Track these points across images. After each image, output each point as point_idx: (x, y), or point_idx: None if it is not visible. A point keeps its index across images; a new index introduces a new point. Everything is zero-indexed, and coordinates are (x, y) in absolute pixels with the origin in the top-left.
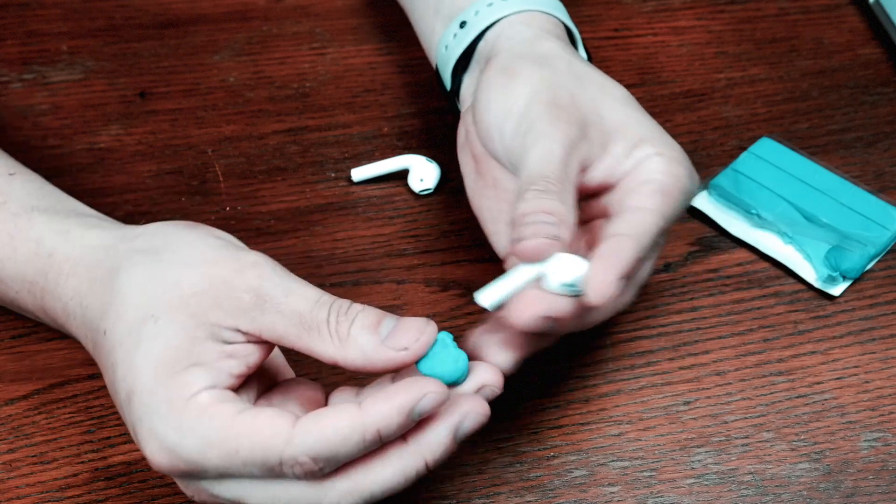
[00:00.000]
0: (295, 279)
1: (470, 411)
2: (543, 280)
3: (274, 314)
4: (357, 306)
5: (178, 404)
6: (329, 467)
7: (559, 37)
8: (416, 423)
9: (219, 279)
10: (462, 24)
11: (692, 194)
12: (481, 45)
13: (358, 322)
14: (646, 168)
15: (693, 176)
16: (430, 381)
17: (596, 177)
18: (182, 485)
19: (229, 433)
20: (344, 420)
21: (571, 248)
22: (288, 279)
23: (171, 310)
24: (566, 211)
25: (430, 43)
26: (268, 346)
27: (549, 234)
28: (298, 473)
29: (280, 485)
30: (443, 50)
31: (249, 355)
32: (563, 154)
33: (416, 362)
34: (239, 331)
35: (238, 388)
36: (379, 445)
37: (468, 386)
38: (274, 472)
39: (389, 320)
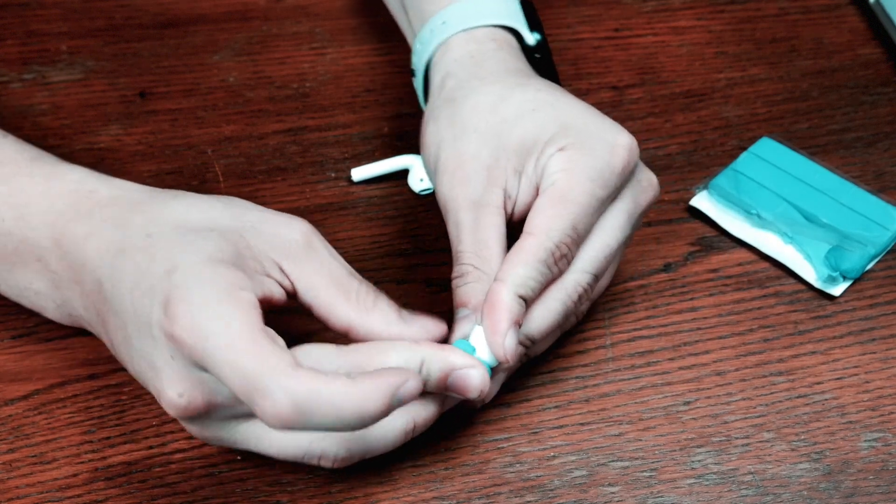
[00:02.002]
0: (334, 249)
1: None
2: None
3: (317, 264)
4: (379, 290)
5: (221, 286)
6: (300, 426)
7: (468, 60)
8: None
9: (278, 222)
10: (412, 73)
11: (614, 170)
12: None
13: (383, 299)
14: (547, 172)
15: (609, 152)
16: (410, 372)
17: (525, 200)
18: (182, 373)
19: (240, 341)
20: (338, 392)
21: None
22: (329, 246)
23: (227, 230)
24: (482, 287)
25: None
26: (286, 298)
27: (466, 333)
28: (270, 415)
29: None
30: (413, 80)
31: (275, 290)
32: (469, 222)
33: None
34: (280, 267)
35: None
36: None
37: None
38: (250, 398)
39: (408, 312)
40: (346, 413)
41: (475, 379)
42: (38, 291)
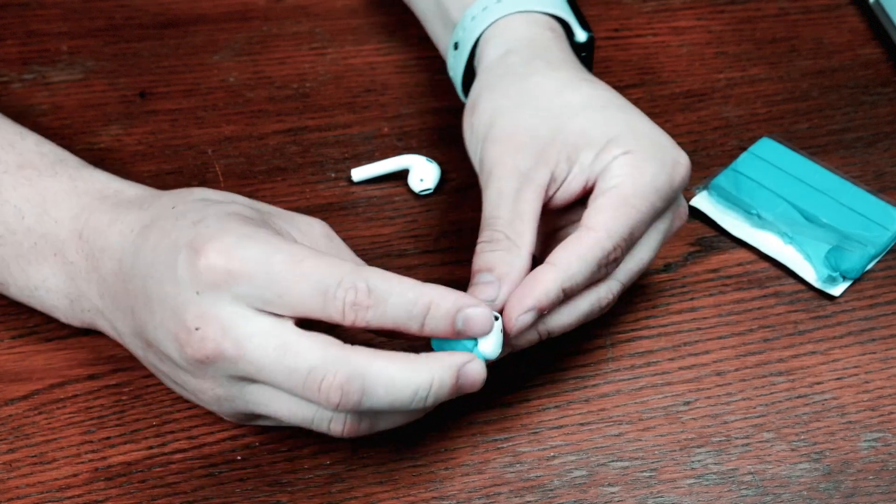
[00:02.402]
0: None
1: (475, 362)
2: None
3: (337, 253)
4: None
5: (254, 225)
6: (372, 312)
7: (531, 42)
8: (451, 327)
9: (298, 219)
10: (455, 46)
11: (673, 185)
12: (475, 62)
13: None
14: (611, 172)
15: (674, 164)
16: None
17: (571, 188)
18: (201, 308)
19: (302, 250)
20: (406, 280)
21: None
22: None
23: (251, 212)
24: (511, 259)
25: (446, 58)
26: None
27: (487, 298)
28: (348, 301)
29: (296, 334)
30: (450, 72)
31: None
32: (512, 191)
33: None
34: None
35: None
36: (418, 327)
37: None
38: (325, 295)
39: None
40: (414, 305)
41: (476, 375)
42: (50, 288)
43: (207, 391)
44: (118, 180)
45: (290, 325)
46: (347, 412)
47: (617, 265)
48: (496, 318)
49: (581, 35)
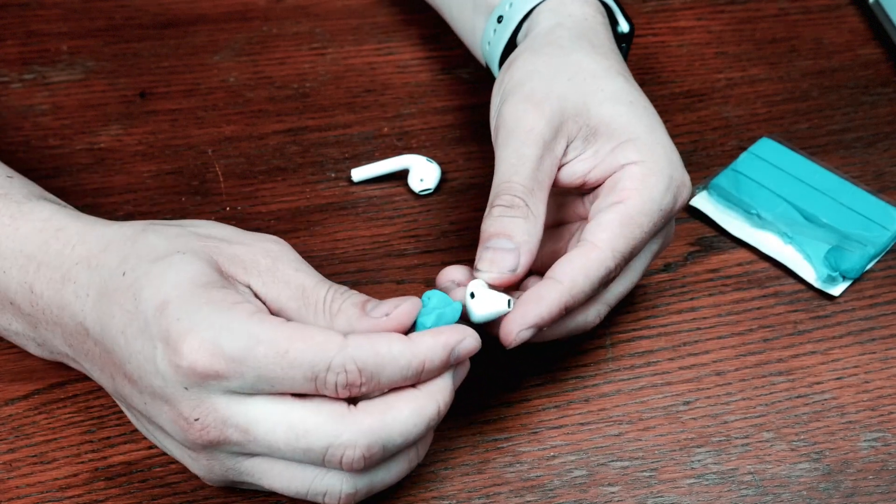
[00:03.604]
0: (305, 262)
1: (462, 340)
2: (467, 308)
3: (282, 284)
4: (353, 291)
5: (223, 306)
6: (366, 387)
7: (583, 21)
8: (448, 367)
9: (241, 242)
10: (500, 19)
11: (675, 207)
12: (519, 37)
13: (349, 300)
14: (620, 184)
15: (678, 186)
16: (468, 329)
17: (577, 171)
18: (194, 402)
19: (281, 334)
20: (395, 343)
21: (541, 253)
22: (299, 260)
23: (199, 251)
24: (529, 228)
25: (472, 40)
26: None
27: (507, 269)
28: (339, 384)
29: (300, 410)
30: (486, 46)
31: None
32: (534, 158)
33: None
34: (250, 288)
35: None
36: (414, 381)
37: None
38: (315, 380)
39: (376, 301)
40: (408, 367)
41: (470, 346)
42: (17, 332)
43: (202, 462)
44: (60, 214)
45: (289, 399)
46: (350, 479)
47: (611, 282)
48: (508, 303)
49: (624, 25)
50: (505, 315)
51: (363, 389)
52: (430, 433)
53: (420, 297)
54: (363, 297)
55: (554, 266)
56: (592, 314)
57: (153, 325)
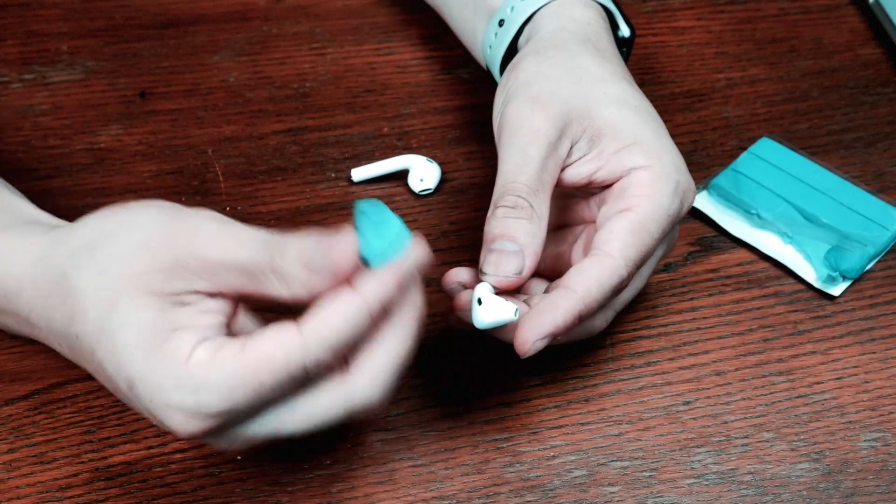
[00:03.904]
0: (238, 227)
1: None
2: (473, 313)
3: (224, 274)
4: (291, 242)
5: (180, 370)
6: (348, 350)
7: (585, 24)
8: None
9: (163, 254)
10: (501, 22)
11: (681, 213)
12: (521, 40)
13: (292, 266)
14: (628, 189)
15: (685, 191)
16: (415, 243)
17: (582, 172)
18: (215, 442)
19: (246, 371)
20: (347, 308)
21: (545, 256)
22: (228, 233)
23: (130, 293)
24: (533, 229)
25: (473, 43)
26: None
27: (513, 272)
28: (325, 369)
29: (305, 400)
30: (487, 50)
31: (223, 305)
32: (539, 158)
33: (363, 254)
34: (199, 292)
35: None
36: (382, 317)
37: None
38: (303, 380)
39: (316, 249)
40: (370, 319)
41: (416, 262)
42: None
43: (213, 446)
44: (17, 236)
45: (292, 399)
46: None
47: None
48: (515, 312)
49: (625, 30)
50: (510, 323)
51: (346, 353)
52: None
53: (352, 220)
54: (301, 251)
55: (567, 275)
56: (600, 320)
57: (134, 399)
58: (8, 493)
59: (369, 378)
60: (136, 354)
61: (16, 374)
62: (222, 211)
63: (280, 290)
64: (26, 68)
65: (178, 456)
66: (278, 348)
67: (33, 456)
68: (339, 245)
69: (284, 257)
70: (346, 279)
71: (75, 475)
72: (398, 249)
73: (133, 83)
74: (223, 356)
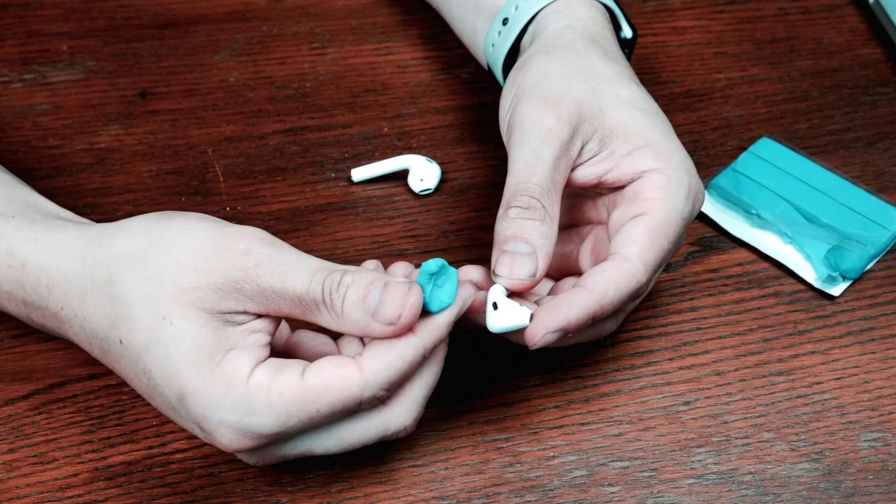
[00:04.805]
0: (289, 253)
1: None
2: (487, 317)
3: (276, 300)
4: (347, 279)
5: (239, 391)
6: (393, 392)
7: (591, 24)
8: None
9: (216, 274)
10: (504, 21)
11: (692, 215)
12: (525, 39)
13: (348, 298)
14: (642, 192)
15: (696, 194)
16: (462, 291)
17: (592, 173)
18: (251, 457)
19: (305, 397)
20: (407, 351)
21: (556, 254)
22: (281, 258)
23: (180, 308)
24: (545, 230)
25: (473, 42)
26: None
27: (527, 274)
28: (373, 405)
29: (346, 426)
30: (490, 49)
31: (268, 324)
32: (551, 159)
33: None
34: (248, 312)
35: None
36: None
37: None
38: (352, 415)
39: (376, 291)
40: (423, 358)
41: (468, 303)
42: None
43: (245, 460)
44: (21, 241)
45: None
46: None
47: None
48: (529, 316)
49: (627, 31)
50: (523, 329)
51: (391, 395)
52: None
53: (418, 276)
54: (360, 288)
55: (586, 275)
56: (610, 322)
57: (182, 411)
58: (8, 493)
59: (406, 408)
60: (191, 369)
61: (16, 374)
62: (222, 211)
63: (330, 322)
64: (26, 68)
65: (178, 456)
66: (339, 381)
67: (33, 456)
68: (408, 300)
69: (343, 296)
70: (407, 330)
71: (75, 475)
72: (453, 297)
73: (133, 83)
74: (283, 382)
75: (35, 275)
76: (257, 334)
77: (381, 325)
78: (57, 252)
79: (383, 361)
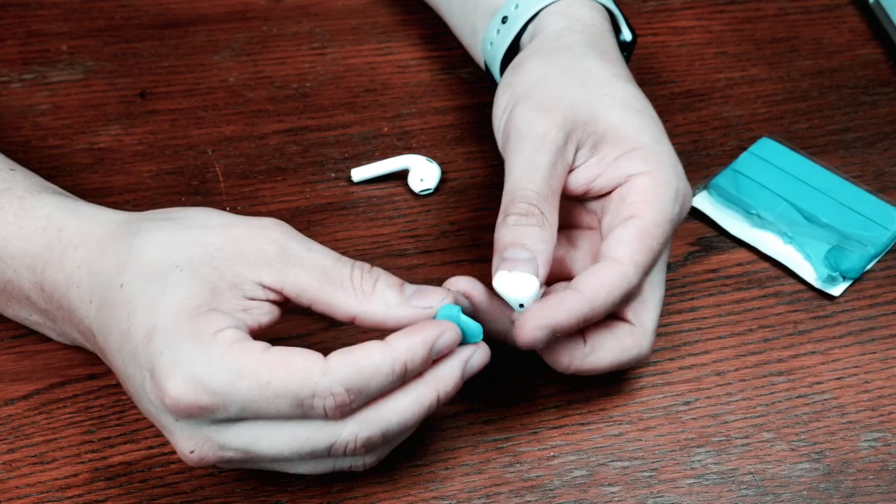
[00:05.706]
0: (314, 242)
1: (476, 351)
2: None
3: (297, 267)
4: (378, 269)
5: (204, 338)
6: (356, 403)
7: (591, 26)
8: (431, 362)
9: (242, 235)
10: (504, 20)
11: (681, 218)
12: (524, 38)
13: (382, 280)
14: (629, 196)
15: (684, 196)
16: (447, 322)
17: (581, 179)
18: (187, 433)
19: (262, 365)
20: (375, 352)
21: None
22: (307, 239)
23: (196, 263)
24: (544, 236)
25: (471, 41)
26: (280, 310)
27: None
28: (328, 407)
29: (297, 422)
30: (488, 47)
31: (263, 315)
32: (548, 165)
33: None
34: (261, 284)
35: None
36: (401, 382)
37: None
38: (302, 406)
39: (411, 285)
40: (392, 373)
41: (447, 341)
42: (36, 322)
43: (182, 444)
44: (60, 210)
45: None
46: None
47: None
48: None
49: (627, 34)
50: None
51: (354, 406)
52: (456, 380)
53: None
54: (394, 278)
55: (577, 278)
56: (646, 346)
57: (141, 352)
58: (8, 493)
59: (368, 431)
60: (171, 311)
61: (16, 374)
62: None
63: (349, 301)
64: (26, 68)
65: (179, 456)
66: (301, 360)
67: (33, 456)
68: (436, 290)
69: (377, 277)
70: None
71: (75, 475)
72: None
73: (133, 83)
74: (247, 345)
75: (69, 238)
76: (249, 314)
77: (417, 308)
78: (98, 221)
79: (350, 358)
